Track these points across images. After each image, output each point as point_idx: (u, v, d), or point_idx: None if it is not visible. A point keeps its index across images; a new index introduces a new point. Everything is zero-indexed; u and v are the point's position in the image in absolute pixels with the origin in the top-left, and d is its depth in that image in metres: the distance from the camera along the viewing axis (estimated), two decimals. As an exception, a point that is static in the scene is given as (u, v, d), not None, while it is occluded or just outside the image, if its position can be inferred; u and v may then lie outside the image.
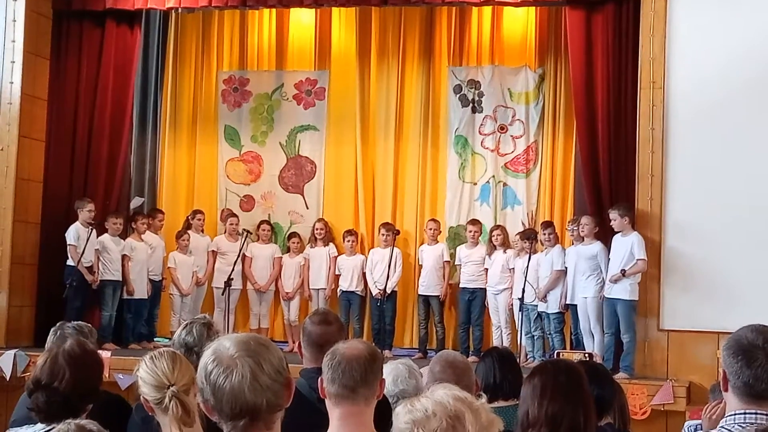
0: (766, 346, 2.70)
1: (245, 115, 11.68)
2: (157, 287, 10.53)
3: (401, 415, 2.14)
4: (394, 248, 10.27)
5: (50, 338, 4.69)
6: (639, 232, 8.70)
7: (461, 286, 10.25)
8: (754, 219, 8.58)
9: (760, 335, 2.72)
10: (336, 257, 10.70)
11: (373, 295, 10.32)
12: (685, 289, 8.74)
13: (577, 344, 9.15)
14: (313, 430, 3.03)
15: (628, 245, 8.64)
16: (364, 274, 10.51)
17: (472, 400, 2.19)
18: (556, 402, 3.04)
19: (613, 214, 8.75)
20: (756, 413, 2.69)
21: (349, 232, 10.73)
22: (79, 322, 4.92)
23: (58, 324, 4.84)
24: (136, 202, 11.13)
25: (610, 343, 8.78)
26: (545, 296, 9.41)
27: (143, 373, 3.04)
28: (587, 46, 9.46)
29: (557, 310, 9.39)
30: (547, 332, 9.50)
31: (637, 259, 8.59)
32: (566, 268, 9.30)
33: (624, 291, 8.66)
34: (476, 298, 10.12)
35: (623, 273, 8.60)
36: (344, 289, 10.55)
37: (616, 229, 8.78)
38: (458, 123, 11.03)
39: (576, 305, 9.16)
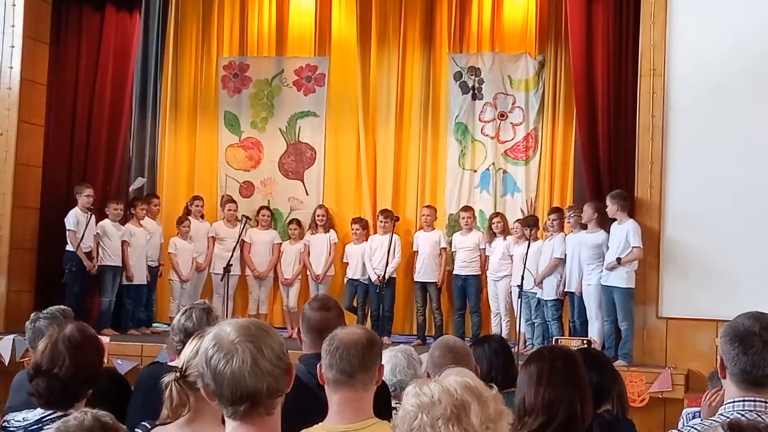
0: (763, 332, 2.71)
1: (245, 101, 11.65)
2: (154, 273, 10.54)
3: (410, 396, 2.14)
4: (393, 234, 10.25)
5: (28, 327, 4.60)
6: (638, 220, 8.70)
7: (454, 272, 10.27)
8: (754, 207, 8.58)
9: (756, 322, 2.73)
10: (335, 244, 10.71)
11: (372, 281, 10.32)
12: (684, 277, 8.74)
13: (575, 331, 9.17)
14: (313, 416, 3.03)
15: (623, 233, 8.64)
16: (367, 261, 10.52)
17: (482, 390, 2.15)
18: (552, 388, 3.03)
19: (607, 201, 8.78)
20: (755, 400, 2.70)
21: (356, 220, 10.71)
22: (54, 307, 4.69)
23: (32, 316, 4.65)
24: (138, 182, 11.09)
25: (611, 331, 8.79)
26: (541, 282, 9.42)
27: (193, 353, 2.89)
28: (587, 33, 9.44)
29: (554, 297, 9.40)
30: (546, 319, 9.52)
31: (633, 247, 8.58)
32: (565, 256, 9.30)
33: (620, 279, 8.66)
34: (469, 285, 10.14)
35: (619, 261, 8.61)
36: (350, 277, 10.56)
37: (609, 216, 8.80)
38: (458, 110, 11.00)
39: (574, 293, 9.18)
